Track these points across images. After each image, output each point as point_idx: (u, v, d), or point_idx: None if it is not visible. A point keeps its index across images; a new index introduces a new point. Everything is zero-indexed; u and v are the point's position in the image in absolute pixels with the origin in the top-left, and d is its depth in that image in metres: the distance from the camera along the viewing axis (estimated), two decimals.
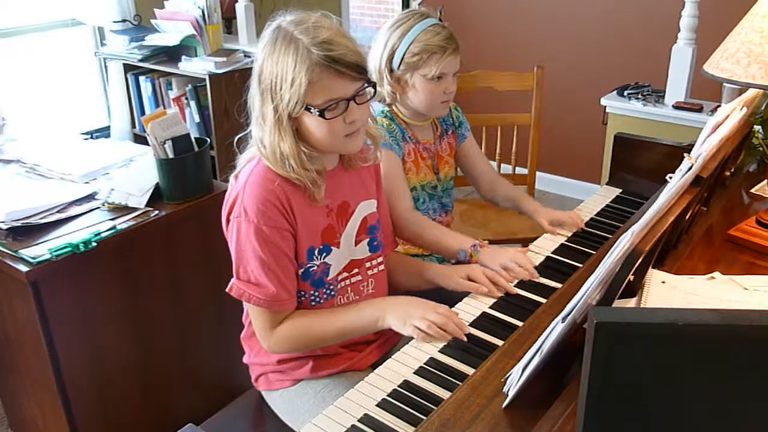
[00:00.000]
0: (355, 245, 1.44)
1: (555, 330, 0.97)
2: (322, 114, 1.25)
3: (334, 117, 1.26)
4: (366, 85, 1.29)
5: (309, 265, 1.36)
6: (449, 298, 1.47)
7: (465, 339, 1.31)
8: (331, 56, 1.22)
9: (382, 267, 1.51)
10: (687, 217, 1.42)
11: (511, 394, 1.05)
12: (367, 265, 1.47)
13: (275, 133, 1.27)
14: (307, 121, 1.28)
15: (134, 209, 1.83)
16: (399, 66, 1.70)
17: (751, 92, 1.65)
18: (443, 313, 1.33)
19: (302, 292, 1.38)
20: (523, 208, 1.89)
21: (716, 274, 1.28)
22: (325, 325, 1.37)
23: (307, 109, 1.25)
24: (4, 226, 1.69)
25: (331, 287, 1.41)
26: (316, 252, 1.36)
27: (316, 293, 1.39)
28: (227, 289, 1.34)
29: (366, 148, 1.44)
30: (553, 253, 1.64)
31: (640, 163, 1.98)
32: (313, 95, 1.24)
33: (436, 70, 1.68)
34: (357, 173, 1.45)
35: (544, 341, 1.00)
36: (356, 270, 1.45)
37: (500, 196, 1.97)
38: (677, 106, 2.65)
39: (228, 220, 1.34)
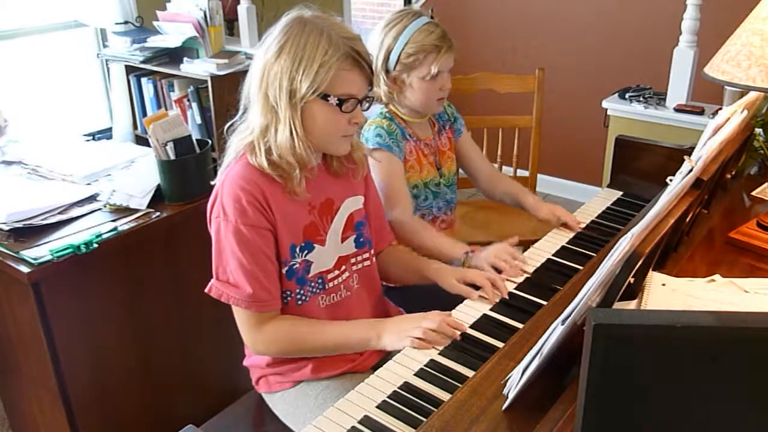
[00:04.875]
0: (342, 242, 1.44)
1: (555, 332, 0.97)
2: (340, 104, 1.28)
3: (347, 111, 1.29)
4: (369, 93, 1.34)
5: (292, 262, 1.36)
6: (449, 297, 1.47)
7: (459, 337, 1.30)
8: (361, 53, 1.28)
9: (368, 263, 1.51)
10: (687, 219, 1.42)
11: (511, 396, 1.05)
12: (353, 260, 1.48)
13: (286, 118, 1.28)
14: (315, 111, 1.29)
15: (135, 210, 1.83)
16: (395, 66, 1.71)
17: (752, 95, 1.65)
18: (436, 318, 1.33)
19: (288, 292, 1.38)
20: (523, 203, 1.89)
21: (717, 276, 1.28)
22: (316, 336, 1.37)
23: (325, 97, 1.27)
24: (6, 227, 1.70)
25: (313, 284, 1.41)
26: (297, 249, 1.36)
27: (301, 291, 1.39)
28: (206, 290, 1.34)
29: (352, 161, 1.45)
30: (553, 255, 1.64)
31: (641, 166, 1.98)
32: (335, 85, 1.27)
33: (433, 69, 1.70)
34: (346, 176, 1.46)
35: (544, 343, 1.00)
36: (343, 267, 1.45)
37: (500, 192, 1.97)
38: (678, 109, 2.65)
39: (210, 221, 1.35)
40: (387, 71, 1.73)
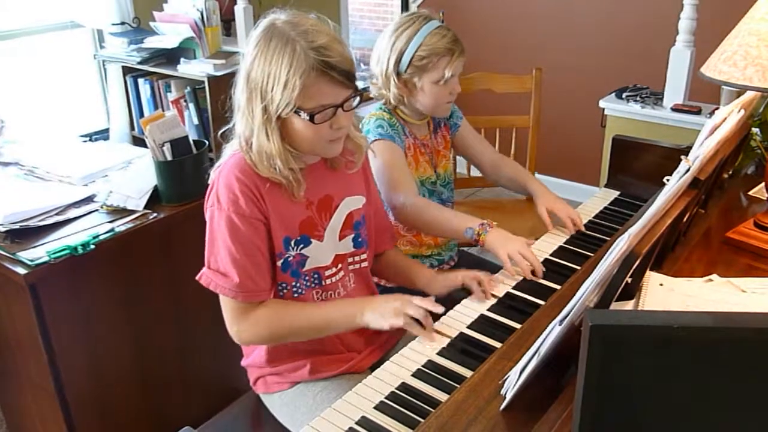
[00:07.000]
0: (339, 240, 1.44)
1: (552, 333, 0.97)
2: (311, 119, 1.26)
3: (322, 122, 1.27)
4: (354, 93, 1.30)
5: (287, 255, 1.36)
6: (443, 298, 1.47)
7: (434, 339, 1.32)
8: (328, 62, 1.23)
9: (365, 264, 1.51)
10: (685, 219, 1.42)
11: (508, 397, 1.05)
12: (350, 260, 1.48)
13: (262, 133, 1.27)
14: (294, 123, 1.28)
15: (132, 212, 1.83)
16: (406, 69, 1.72)
17: (749, 95, 1.65)
18: (419, 304, 1.32)
19: (284, 284, 1.38)
20: (527, 188, 1.89)
21: (714, 276, 1.28)
22: (300, 315, 1.37)
23: (297, 112, 1.25)
24: (3, 229, 1.69)
25: (307, 278, 1.41)
26: (292, 243, 1.36)
27: (297, 284, 1.39)
28: (197, 277, 1.34)
29: (349, 152, 1.44)
30: (551, 255, 1.64)
31: (638, 166, 1.99)
32: (305, 99, 1.24)
33: (447, 73, 1.70)
34: (343, 170, 1.46)
35: (541, 344, 1.00)
36: (340, 265, 1.45)
37: (504, 178, 1.98)
38: (675, 109, 2.65)
39: (206, 210, 1.35)
40: (398, 74, 1.73)
